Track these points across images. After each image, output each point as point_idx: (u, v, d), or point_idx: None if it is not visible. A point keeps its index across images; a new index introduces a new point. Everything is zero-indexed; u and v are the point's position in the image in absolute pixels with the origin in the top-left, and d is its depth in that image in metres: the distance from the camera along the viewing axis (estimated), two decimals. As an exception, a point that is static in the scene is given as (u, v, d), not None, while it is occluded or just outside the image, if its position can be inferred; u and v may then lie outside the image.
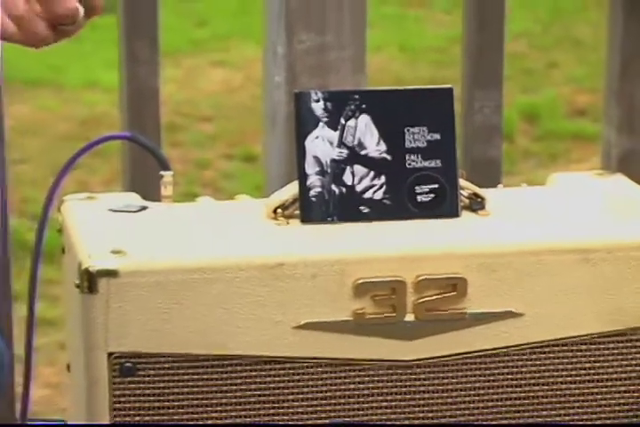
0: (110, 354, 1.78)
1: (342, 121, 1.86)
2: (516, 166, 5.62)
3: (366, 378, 1.82)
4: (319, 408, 1.83)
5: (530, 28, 6.64)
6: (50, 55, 6.91)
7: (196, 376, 1.80)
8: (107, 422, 1.79)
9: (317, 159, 1.86)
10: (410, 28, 7.37)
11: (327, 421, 1.82)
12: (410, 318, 1.80)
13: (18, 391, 1.91)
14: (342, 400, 1.83)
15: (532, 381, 1.85)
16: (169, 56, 6.15)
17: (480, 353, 1.83)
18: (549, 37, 7.11)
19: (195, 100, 6.45)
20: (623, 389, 1.86)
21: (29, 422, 2.02)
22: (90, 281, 1.76)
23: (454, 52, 7.45)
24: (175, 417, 1.81)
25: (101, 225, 1.90)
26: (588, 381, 1.85)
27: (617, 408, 1.86)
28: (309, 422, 1.82)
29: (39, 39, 1.55)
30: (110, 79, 7.06)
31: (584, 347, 1.84)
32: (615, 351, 1.84)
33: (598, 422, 1.86)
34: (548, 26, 7.20)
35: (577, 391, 1.85)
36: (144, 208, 1.95)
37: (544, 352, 1.84)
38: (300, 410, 1.82)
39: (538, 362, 1.84)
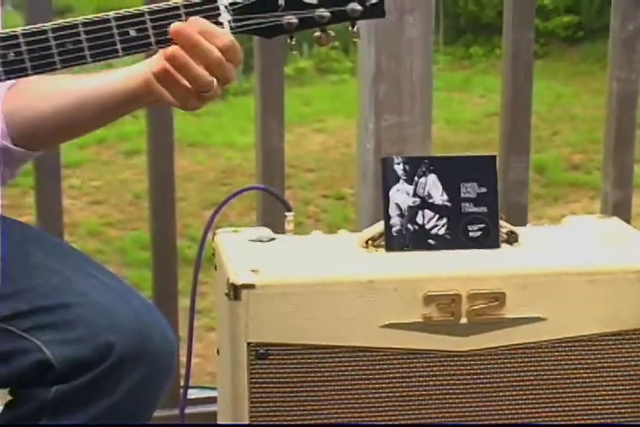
0: (249, 343, 1.75)
1: (416, 178, 1.84)
2: (529, 205, 5.58)
3: (431, 363, 1.78)
4: (398, 385, 1.79)
5: (539, 108, 6.62)
6: (202, 124, 6.95)
7: (310, 360, 1.77)
8: (246, 393, 1.77)
9: (398, 205, 1.83)
10: (454, 106, 7.36)
11: (405, 395, 1.78)
12: (464, 320, 1.77)
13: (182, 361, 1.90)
14: (414, 379, 1.79)
15: (553, 367, 1.80)
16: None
17: (515, 346, 1.79)
18: (553, 114, 7.09)
19: (302, 157, 6.45)
20: (619, 374, 1.81)
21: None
22: (235, 292, 1.74)
23: (486, 124, 7.46)
24: (295, 389, 1.77)
25: (243, 251, 1.88)
26: (594, 368, 1.81)
27: (614, 388, 1.82)
28: (390, 395, 1.79)
29: (190, 106, 1.50)
30: (242, 141, 7.09)
31: (590, 343, 1.79)
32: (613, 346, 1.80)
33: (602, 410, 1.83)
34: (552, 106, 7.17)
35: (584, 375, 1.81)
36: (273, 239, 1.93)
37: (562, 346, 1.79)
38: (383, 385, 1.78)
39: (557, 353, 1.80)
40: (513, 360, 1.79)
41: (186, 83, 1.43)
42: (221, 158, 6.80)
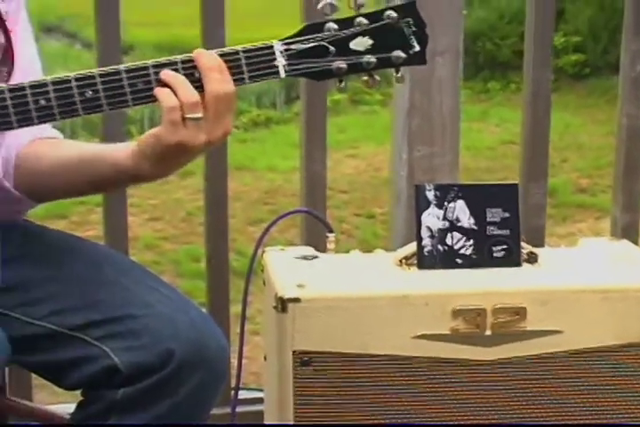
0: (294, 351, 1.74)
1: (445, 204, 1.82)
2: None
3: (458, 371, 1.76)
4: (428, 391, 1.77)
5: (551, 137, 6.59)
6: (248, 150, 6.97)
7: (349, 367, 1.75)
8: (291, 396, 1.76)
9: (429, 228, 1.82)
10: (473, 135, 7.34)
11: (434, 400, 1.77)
12: (488, 332, 1.75)
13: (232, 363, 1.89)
14: (442, 385, 1.77)
15: (570, 375, 1.78)
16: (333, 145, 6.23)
17: (535, 356, 1.76)
18: (563, 142, 7.06)
19: (337, 179, 6.45)
20: (630, 383, 1.79)
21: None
22: (282, 305, 1.73)
23: (501, 151, 7.44)
24: (335, 393, 1.76)
25: (289, 268, 1.86)
26: (607, 376, 1.79)
27: (626, 394, 1.80)
28: (421, 400, 1.77)
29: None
30: (284, 165, 7.10)
31: (603, 353, 1.77)
32: (624, 357, 1.78)
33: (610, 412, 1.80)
34: (562, 135, 7.14)
35: (598, 382, 1.79)
36: (316, 257, 1.91)
37: (577, 356, 1.77)
38: (415, 391, 1.76)
39: (573, 363, 1.77)
40: (533, 368, 1.77)
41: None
42: (265, 180, 6.82)
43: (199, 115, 1.41)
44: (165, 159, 1.45)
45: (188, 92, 1.41)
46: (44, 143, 1.60)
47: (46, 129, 1.62)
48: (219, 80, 1.42)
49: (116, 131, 2.19)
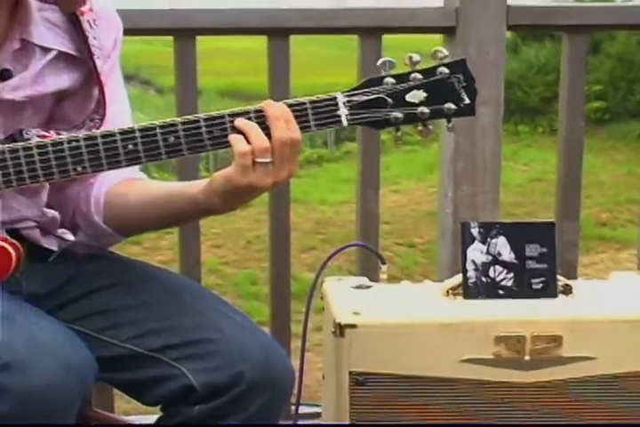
0: (350, 372, 1.72)
1: (488, 239, 1.80)
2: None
3: (500, 392, 1.74)
4: (472, 410, 1.74)
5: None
6: (302, 184, 6.98)
7: (400, 387, 1.73)
8: (347, 412, 1.74)
9: (473, 261, 1.80)
10: (503, 172, 7.28)
11: (477, 418, 1.74)
12: (527, 358, 1.72)
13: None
14: (485, 405, 1.74)
15: (602, 397, 1.75)
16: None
17: (570, 379, 1.74)
18: (585, 180, 6.98)
19: (381, 212, 6.42)
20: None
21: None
22: (340, 330, 1.71)
23: (529, 188, 7.40)
24: (387, 410, 1.74)
25: (346, 296, 1.85)
26: (635, 399, 1.75)
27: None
28: (466, 419, 1.74)
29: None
30: (333, 198, 7.10)
31: (634, 378, 1.74)
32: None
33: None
34: (585, 173, 7.07)
35: (629, 405, 1.75)
36: (370, 287, 1.89)
37: (609, 381, 1.74)
38: (461, 410, 1.74)
39: (605, 386, 1.74)
40: (568, 391, 1.74)
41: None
42: (316, 212, 6.83)
43: (268, 159, 1.41)
44: (234, 197, 1.45)
45: (259, 139, 1.41)
46: (131, 183, 1.60)
47: (134, 170, 1.62)
48: (285, 128, 1.41)
49: (191, 167, 2.19)
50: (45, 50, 1.52)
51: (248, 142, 1.41)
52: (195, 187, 1.49)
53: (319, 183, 7.31)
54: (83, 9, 1.53)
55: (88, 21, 1.53)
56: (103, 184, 1.58)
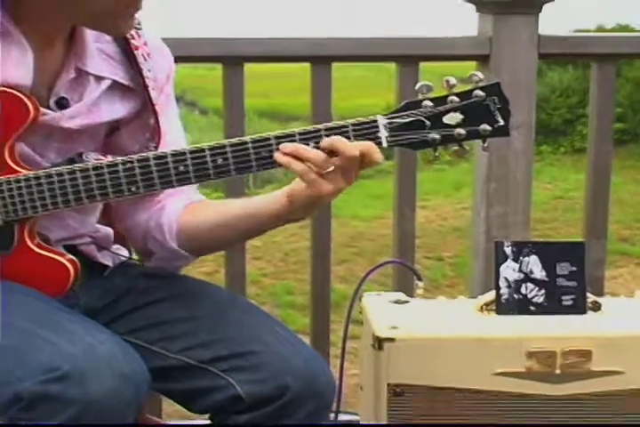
0: (388, 384, 1.70)
1: (521, 258, 1.78)
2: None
3: (532, 404, 1.71)
4: (504, 421, 1.71)
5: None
6: (337, 201, 6.97)
7: (436, 398, 1.71)
8: (385, 421, 1.72)
9: (506, 279, 1.78)
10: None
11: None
12: (558, 371, 1.69)
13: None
14: (518, 416, 1.72)
15: (630, 410, 1.72)
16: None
17: (599, 393, 1.71)
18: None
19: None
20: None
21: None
22: (379, 343, 1.69)
23: (552, 205, 7.35)
24: (423, 420, 1.71)
25: (384, 311, 1.83)
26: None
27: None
28: (500, 429, 1.72)
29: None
30: (365, 213, 7.08)
31: (660, 393, 1.72)
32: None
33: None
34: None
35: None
36: (407, 302, 1.87)
37: (637, 394, 1.71)
38: (494, 421, 1.71)
39: (634, 400, 1.72)
40: (598, 403, 1.71)
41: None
42: (349, 227, 6.81)
43: (331, 168, 1.40)
44: (310, 207, 1.46)
45: (312, 153, 1.41)
46: (198, 206, 1.60)
47: (195, 194, 1.62)
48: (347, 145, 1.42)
49: (238, 185, 2.18)
50: (100, 79, 1.52)
51: (305, 160, 1.41)
52: (276, 203, 1.48)
53: (352, 199, 7.29)
54: (137, 43, 1.53)
55: (142, 55, 1.53)
56: (172, 212, 1.58)
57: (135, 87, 1.55)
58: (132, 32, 1.52)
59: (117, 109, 1.54)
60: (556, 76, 9.89)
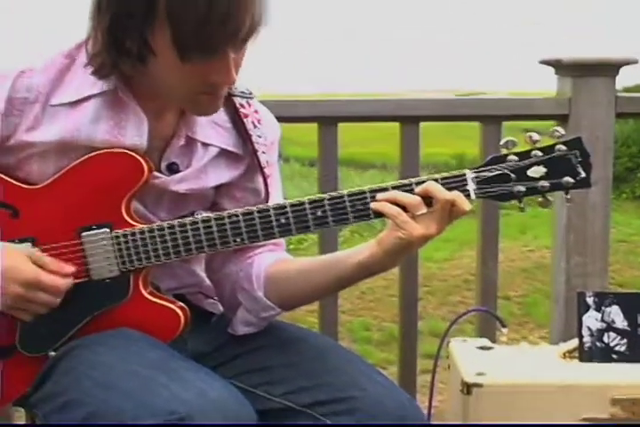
0: None
1: (603, 308, 1.73)
2: None
3: (616, 450, 1.65)
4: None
5: None
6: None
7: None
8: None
9: (589, 328, 1.73)
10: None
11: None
12: (642, 419, 1.63)
13: None
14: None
15: None
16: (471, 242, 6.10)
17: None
18: None
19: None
20: None
21: None
22: (467, 389, 1.67)
23: (614, 248, 7.19)
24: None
25: (471, 356, 1.79)
26: None
27: None
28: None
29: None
30: (437, 256, 7.02)
31: None
32: None
33: None
34: None
35: None
36: (491, 348, 1.84)
37: None
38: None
39: None
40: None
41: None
42: (423, 268, 6.76)
43: (424, 210, 1.38)
44: (399, 253, 1.42)
45: (407, 196, 1.39)
46: (286, 260, 1.59)
47: (283, 252, 1.61)
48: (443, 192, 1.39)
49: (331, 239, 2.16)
50: (207, 146, 1.53)
51: (401, 204, 1.39)
52: (362, 253, 1.45)
53: (425, 242, 7.27)
54: (246, 112, 1.54)
55: (252, 121, 1.54)
56: (261, 264, 1.57)
57: (242, 154, 1.55)
58: (243, 101, 1.53)
59: (223, 175, 1.55)
60: (618, 127, 9.77)
